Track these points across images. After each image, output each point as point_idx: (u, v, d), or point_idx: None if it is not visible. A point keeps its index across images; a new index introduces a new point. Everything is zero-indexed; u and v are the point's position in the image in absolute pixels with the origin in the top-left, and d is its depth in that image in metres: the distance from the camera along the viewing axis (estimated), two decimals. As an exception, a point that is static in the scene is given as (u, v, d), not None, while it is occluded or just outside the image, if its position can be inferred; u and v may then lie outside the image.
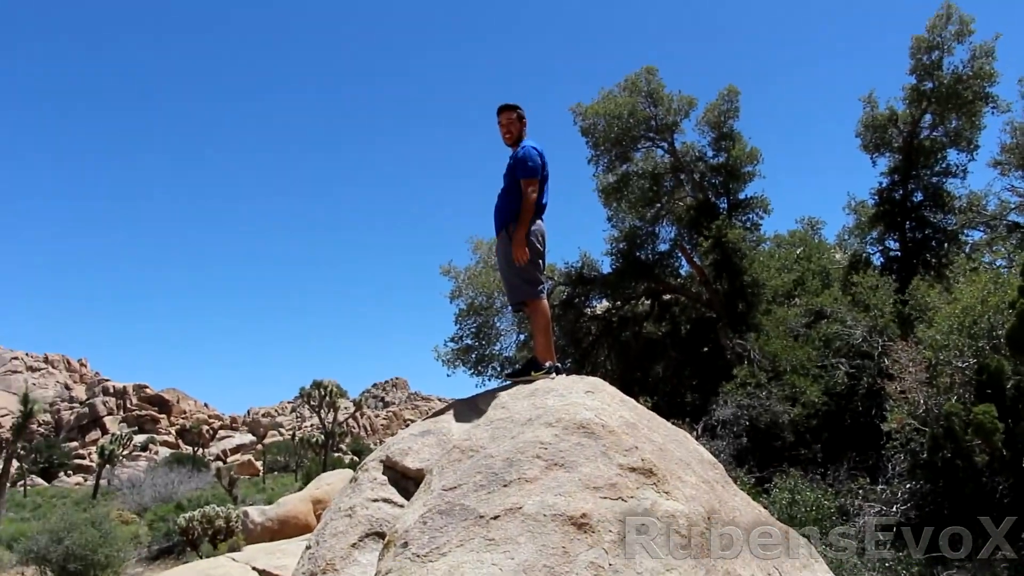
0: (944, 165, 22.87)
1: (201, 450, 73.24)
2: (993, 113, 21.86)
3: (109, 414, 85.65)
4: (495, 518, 4.30)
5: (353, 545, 5.16)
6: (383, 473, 5.77)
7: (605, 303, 24.01)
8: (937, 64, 21.48)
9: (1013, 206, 22.70)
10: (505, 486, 4.56)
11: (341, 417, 51.84)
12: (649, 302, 24.07)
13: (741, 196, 23.16)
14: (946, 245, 21.99)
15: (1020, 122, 21.99)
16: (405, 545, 4.38)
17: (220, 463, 59.36)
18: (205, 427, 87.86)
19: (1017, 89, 22.00)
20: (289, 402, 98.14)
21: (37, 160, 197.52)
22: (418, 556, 4.23)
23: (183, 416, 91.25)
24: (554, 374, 6.18)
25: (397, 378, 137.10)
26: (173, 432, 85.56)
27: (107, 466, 47.95)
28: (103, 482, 47.18)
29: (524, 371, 6.30)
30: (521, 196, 6.39)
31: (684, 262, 23.39)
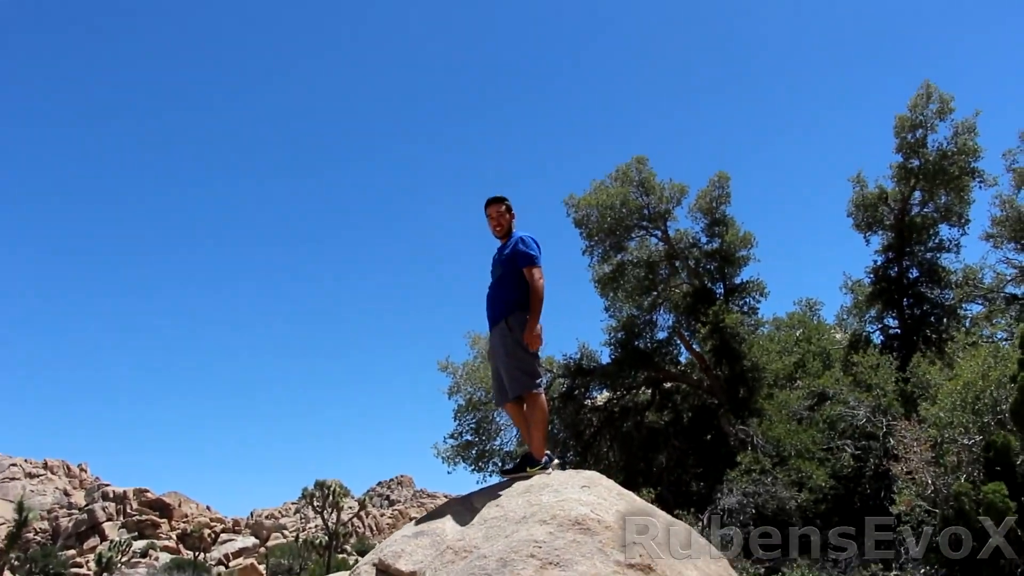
0: (937, 240, 23.01)
1: (202, 555, 71.84)
2: (981, 187, 22.15)
3: (108, 520, 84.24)
4: None
5: None
6: (376, 576, 5.65)
7: (606, 394, 23.86)
8: (922, 142, 21.79)
9: (1009, 278, 22.74)
10: None
11: (345, 517, 51.00)
12: (650, 391, 23.90)
13: (737, 280, 23.22)
14: (945, 320, 21.96)
15: (1008, 195, 22.22)
16: None
17: (222, 567, 58.20)
18: (207, 531, 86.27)
19: (1002, 162, 22.28)
20: (292, 503, 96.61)
21: (37, 256, 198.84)
22: (411, 660, 4.16)
23: (184, 520, 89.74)
24: (551, 469, 6.14)
25: (402, 475, 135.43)
26: (174, 537, 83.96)
27: (105, 574, 46.86)
28: (100, 592, 46.14)
29: (520, 467, 6.25)
30: (518, 286, 6.44)
31: (683, 349, 23.33)
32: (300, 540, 50.70)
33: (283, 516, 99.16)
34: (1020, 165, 22.00)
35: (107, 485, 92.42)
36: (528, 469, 6.12)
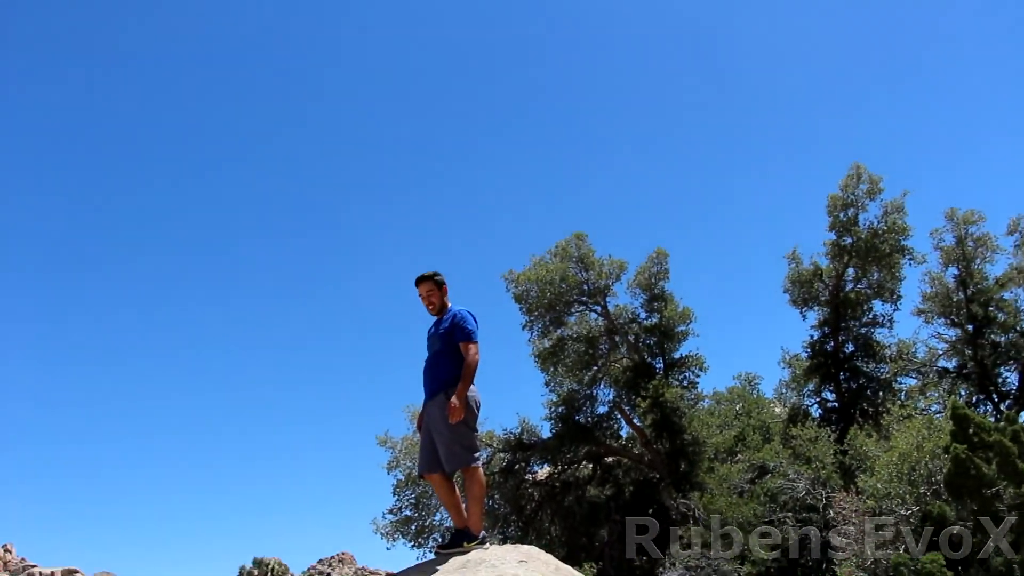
0: (871, 316, 23.53)
1: (133, 644, 68.84)
2: (911, 264, 22.74)
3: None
4: None
5: None
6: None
7: (547, 468, 23.60)
8: (853, 220, 22.36)
9: (940, 352, 23.31)
10: None
11: (286, 596, 49.48)
12: (591, 465, 23.69)
13: (676, 355, 23.27)
14: (881, 393, 22.31)
15: (936, 272, 22.88)
16: None
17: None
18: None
19: (930, 241, 22.98)
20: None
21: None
22: None
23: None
24: (488, 544, 6.04)
25: (343, 553, 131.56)
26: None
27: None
28: None
29: (455, 542, 6.09)
30: (457, 361, 6.46)
31: (624, 423, 23.28)
32: (236, 623, 48.78)
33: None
34: (947, 243, 22.76)
35: (34, 567, 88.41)
36: (465, 544, 6.00)
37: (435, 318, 6.77)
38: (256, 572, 41.57)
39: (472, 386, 6.48)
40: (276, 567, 41.81)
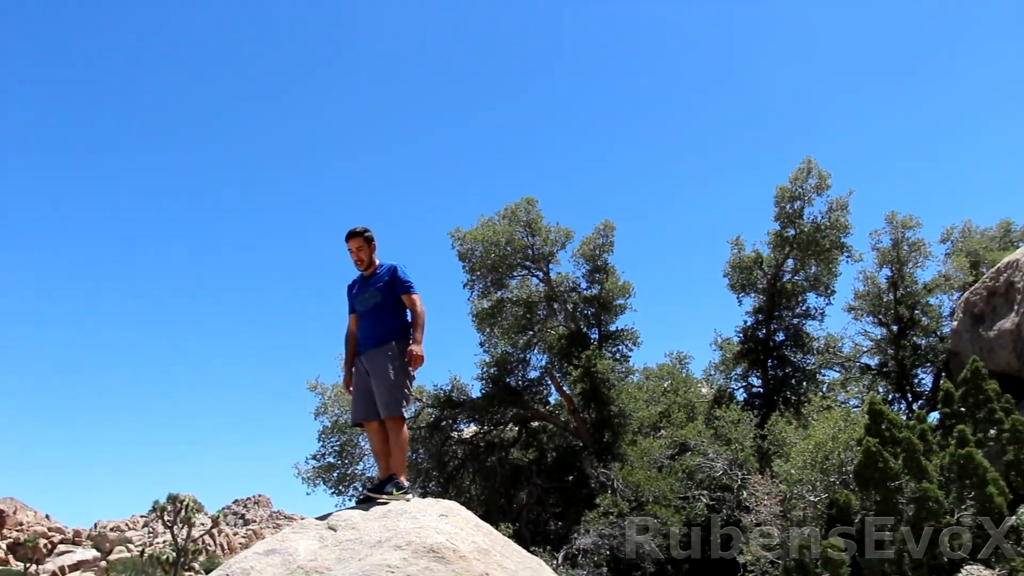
0: (804, 308, 24.06)
1: (34, 567, 67.84)
2: (848, 262, 23.28)
3: (-71, 526, 78.93)
4: None
5: None
6: (221, 594, 5.48)
7: (473, 427, 23.82)
8: (799, 213, 22.75)
9: (865, 349, 23.98)
10: None
11: (197, 533, 49.01)
12: (517, 428, 23.99)
13: (612, 328, 23.66)
14: (805, 383, 22.90)
15: (871, 272, 23.48)
16: None
17: (55, 581, 55.10)
18: (43, 541, 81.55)
19: (868, 241, 23.57)
20: (142, 516, 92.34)
21: None
22: None
23: (18, 528, 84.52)
24: (410, 496, 6.25)
25: (260, 495, 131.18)
26: (3, 547, 79.15)
27: (-79, 584, 43.73)
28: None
29: (382, 487, 6.31)
30: (400, 313, 6.77)
31: (553, 390, 23.52)
32: (145, 555, 48.44)
33: (130, 529, 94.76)
34: (884, 245, 23.36)
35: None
36: (395, 492, 6.22)
37: (361, 274, 6.97)
38: (170, 508, 41.12)
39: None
40: (191, 504, 41.38)
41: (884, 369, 23.34)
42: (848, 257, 23.15)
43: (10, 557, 73.88)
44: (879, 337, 23.50)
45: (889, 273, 23.27)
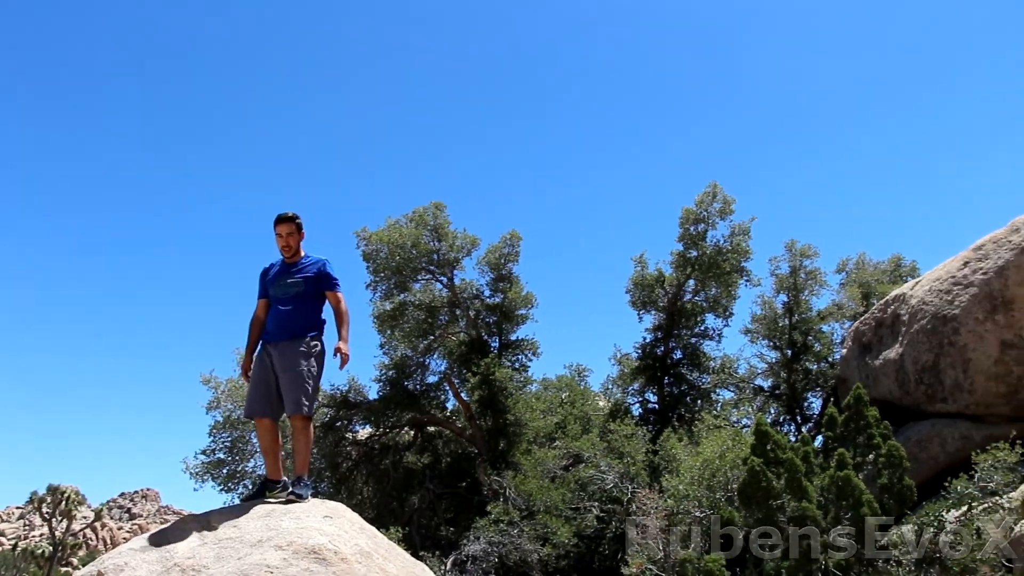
0: (703, 328, 24.58)
1: None
2: (747, 286, 23.91)
3: None
4: None
5: None
6: (92, 591, 5.28)
7: (368, 429, 23.66)
8: (702, 236, 23.24)
9: (759, 372, 24.59)
10: None
11: (77, 527, 47.17)
12: (413, 432, 23.92)
13: (513, 337, 23.77)
14: (699, 402, 23.37)
15: (768, 296, 24.12)
16: None
17: (-86, 577, 52.38)
18: (-95, 531, 77.72)
19: (767, 266, 24.23)
20: (18, 507, 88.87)
21: None
22: None
23: None
24: (308, 497, 6.13)
25: (148, 489, 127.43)
26: None
27: None
28: None
29: (297, 489, 6.13)
30: (319, 307, 6.64)
31: (451, 396, 23.51)
32: (19, 549, 46.46)
33: (3, 521, 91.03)
34: (782, 271, 24.04)
35: None
36: (295, 496, 6.05)
37: (281, 260, 6.74)
38: (49, 500, 39.40)
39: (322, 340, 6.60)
40: (72, 496, 39.77)
41: (776, 392, 23.98)
42: (747, 281, 23.80)
43: None
44: (773, 360, 24.14)
45: (785, 299, 23.96)
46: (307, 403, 6.30)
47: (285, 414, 6.45)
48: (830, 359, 23.09)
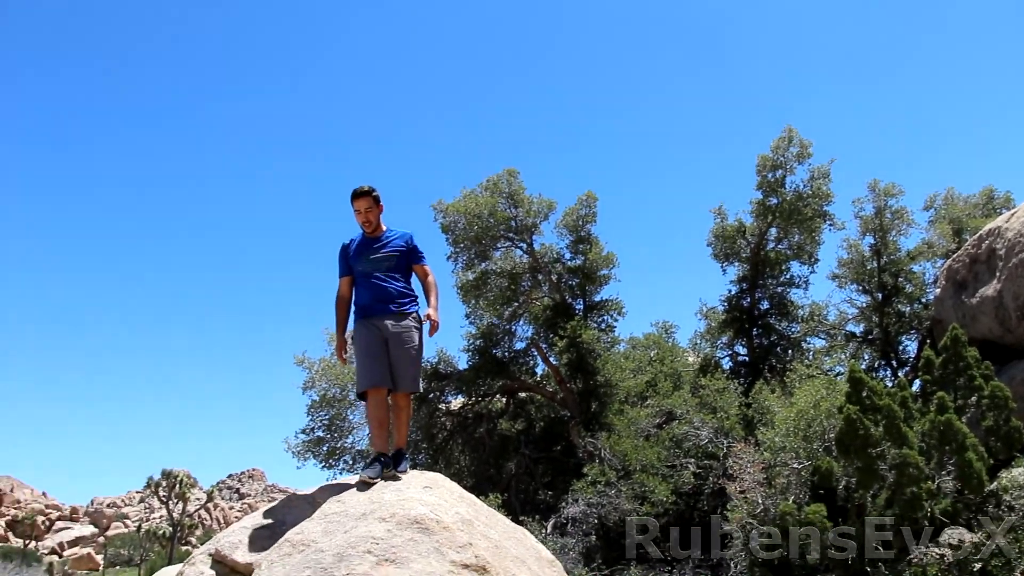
0: (788, 276, 24.09)
1: (34, 543, 68.10)
2: (831, 230, 23.33)
3: (-70, 506, 78.98)
4: None
5: None
6: (211, 567, 5.56)
7: (460, 399, 23.94)
8: (780, 182, 22.75)
9: (850, 317, 24.11)
10: None
11: (192, 508, 49.23)
12: (504, 399, 24.13)
13: (597, 298, 23.69)
14: (789, 351, 23.03)
15: (854, 239, 23.56)
16: None
17: (55, 557, 55.44)
18: (40, 518, 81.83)
19: (851, 209, 23.64)
20: (137, 492, 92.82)
21: None
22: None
23: (16, 506, 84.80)
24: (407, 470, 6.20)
25: (254, 469, 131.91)
26: (3, 524, 79.39)
27: (-78, 562, 43.80)
28: (-87, 582, 43.05)
29: (399, 464, 6.20)
30: (410, 280, 6.62)
31: (540, 361, 23.58)
32: (142, 530, 48.66)
33: (126, 505, 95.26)
34: (866, 213, 23.44)
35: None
36: (398, 475, 6.03)
37: (361, 235, 6.64)
38: (164, 484, 41.21)
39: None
40: (184, 479, 41.51)
41: (869, 337, 23.51)
42: (831, 225, 23.23)
43: (9, 534, 74.18)
44: (863, 305, 23.65)
45: (872, 241, 23.38)
46: (419, 379, 6.45)
47: (395, 390, 6.38)
48: (923, 300, 22.52)
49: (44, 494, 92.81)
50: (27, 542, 64.98)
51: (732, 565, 14.23)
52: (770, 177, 22.82)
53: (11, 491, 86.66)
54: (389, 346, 6.34)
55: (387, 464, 6.16)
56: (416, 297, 6.62)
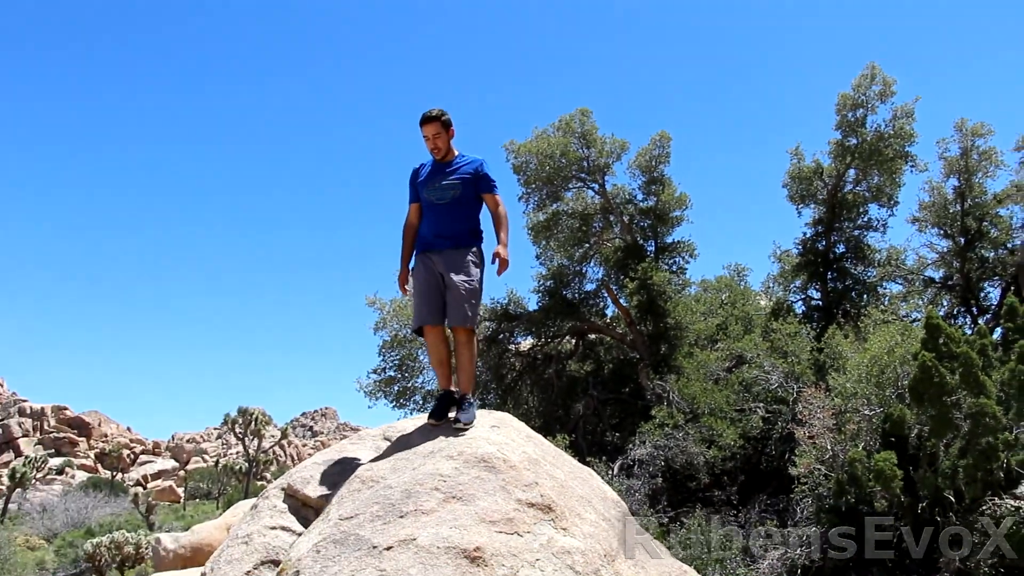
0: (866, 219, 23.49)
1: (120, 475, 71.10)
2: (912, 172, 22.58)
3: (24, 436, 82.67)
4: (388, 549, 4.28)
5: (247, 573, 5.07)
6: (283, 501, 5.76)
7: (530, 340, 24.07)
8: (861, 122, 22.07)
9: (930, 262, 23.40)
10: (401, 517, 4.57)
11: (267, 445, 50.79)
12: (574, 341, 24.19)
13: (668, 240, 23.47)
14: (865, 296, 22.52)
15: (937, 182, 22.76)
16: (297, 574, 4.37)
17: (140, 488, 57.75)
18: (126, 451, 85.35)
19: (935, 150, 22.79)
20: (214, 428, 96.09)
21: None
22: (309, 586, 4.16)
23: (103, 440, 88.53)
24: (474, 416, 5.97)
25: (327, 408, 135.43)
26: (92, 456, 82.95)
27: (18, 489, 45.96)
28: (13, 506, 45.37)
29: (461, 408, 5.96)
30: (476, 212, 6.28)
31: (610, 303, 23.58)
32: (220, 465, 50.43)
33: (204, 441, 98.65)
34: (951, 154, 22.57)
35: (24, 401, 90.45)
36: (462, 424, 5.81)
37: (432, 162, 6.35)
38: (240, 421, 42.49)
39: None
40: (260, 417, 42.72)
41: (949, 283, 22.81)
42: (913, 167, 22.45)
43: (98, 466, 77.63)
44: (944, 250, 22.89)
45: (957, 183, 22.51)
46: (474, 315, 6.05)
47: (448, 325, 6.17)
48: (1009, 245, 21.71)
49: (128, 429, 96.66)
50: (114, 474, 67.85)
51: (799, 510, 14.16)
52: (850, 117, 22.14)
53: (98, 425, 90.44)
54: (442, 280, 6.12)
55: (450, 401, 6.10)
56: (482, 232, 6.32)
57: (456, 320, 6.02)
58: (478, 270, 6.13)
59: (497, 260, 5.98)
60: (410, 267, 6.44)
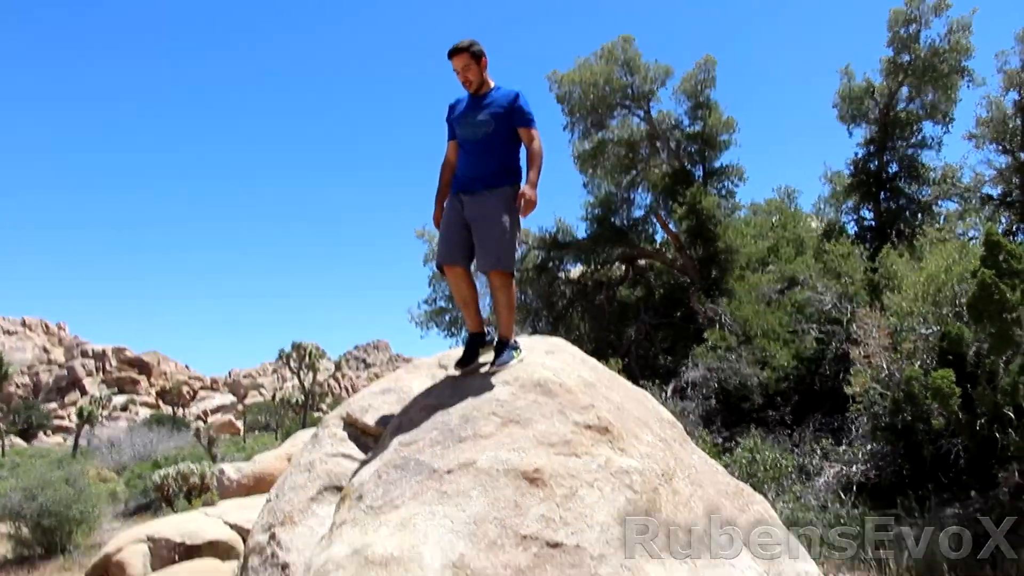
0: (920, 137, 22.99)
1: (181, 410, 73.08)
2: (969, 87, 21.98)
3: (88, 376, 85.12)
4: (448, 472, 4.38)
5: (311, 498, 5.22)
6: (343, 429, 5.86)
7: (580, 267, 24.15)
8: (914, 37, 21.50)
9: (987, 179, 22.87)
10: (460, 442, 4.65)
11: (321, 378, 51.63)
12: (623, 267, 24.22)
13: (716, 164, 23.27)
14: (920, 216, 22.18)
15: (995, 96, 22.12)
16: (360, 498, 4.47)
17: (200, 423, 59.30)
18: (185, 388, 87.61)
19: (993, 63, 22.08)
20: (270, 363, 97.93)
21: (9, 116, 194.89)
22: (372, 508, 4.31)
23: (163, 378, 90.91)
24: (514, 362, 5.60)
25: (379, 340, 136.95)
26: (153, 393, 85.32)
27: (86, 426, 47.45)
28: (83, 442, 46.86)
29: (501, 354, 5.62)
30: (513, 148, 5.82)
31: (659, 228, 23.47)
32: (276, 399, 51.46)
33: (260, 376, 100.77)
34: (1011, 67, 21.85)
35: (86, 343, 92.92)
36: (516, 356, 5.60)
37: (467, 96, 5.91)
38: (294, 355, 43.18)
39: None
40: (313, 351, 43.35)
41: (1008, 200, 22.27)
42: (970, 82, 21.83)
43: (159, 402, 79.91)
44: (1003, 166, 22.31)
45: (1017, 97, 21.79)
46: (509, 259, 5.63)
47: (479, 270, 5.86)
48: (1072, 159, 21.16)
49: (187, 367, 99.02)
50: (175, 409, 69.72)
51: (854, 429, 14.22)
52: (903, 32, 21.56)
53: (158, 364, 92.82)
54: (470, 222, 5.73)
55: (479, 343, 5.92)
56: (520, 169, 5.81)
57: (487, 264, 5.64)
58: (515, 212, 5.67)
59: (522, 201, 5.48)
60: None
